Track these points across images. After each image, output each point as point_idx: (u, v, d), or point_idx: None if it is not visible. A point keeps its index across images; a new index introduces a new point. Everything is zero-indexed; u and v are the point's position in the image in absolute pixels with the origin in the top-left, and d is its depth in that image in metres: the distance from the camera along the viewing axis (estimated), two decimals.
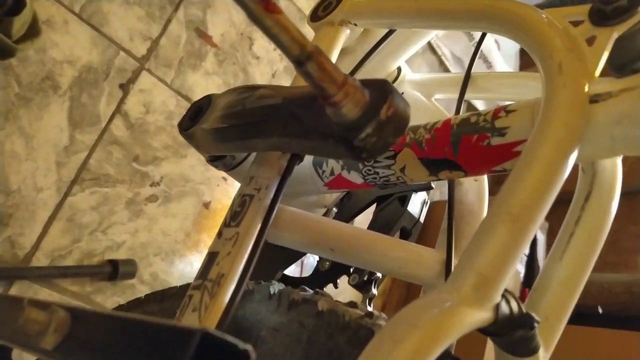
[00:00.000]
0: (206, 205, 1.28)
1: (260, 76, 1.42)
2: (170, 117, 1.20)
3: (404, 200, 0.58)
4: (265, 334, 0.38)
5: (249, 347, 0.19)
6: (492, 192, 0.45)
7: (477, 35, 0.60)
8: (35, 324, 0.24)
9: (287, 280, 0.60)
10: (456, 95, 0.53)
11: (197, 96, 1.26)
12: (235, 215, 0.40)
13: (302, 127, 0.32)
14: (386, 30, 0.51)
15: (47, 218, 1.01)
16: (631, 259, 1.88)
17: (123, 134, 1.12)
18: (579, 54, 0.31)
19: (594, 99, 0.30)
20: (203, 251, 1.27)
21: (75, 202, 1.04)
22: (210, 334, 0.17)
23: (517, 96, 0.54)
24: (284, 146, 0.35)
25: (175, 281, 1.21)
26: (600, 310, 1.60)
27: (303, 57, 0.25)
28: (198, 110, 0.44)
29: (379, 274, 0.56)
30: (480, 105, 2.01)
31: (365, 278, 0.55)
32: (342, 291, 0.58)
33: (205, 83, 1.28)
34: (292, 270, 0.62)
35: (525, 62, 2.38)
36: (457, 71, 2.09)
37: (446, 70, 2.09)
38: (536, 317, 0.28)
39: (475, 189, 0.47)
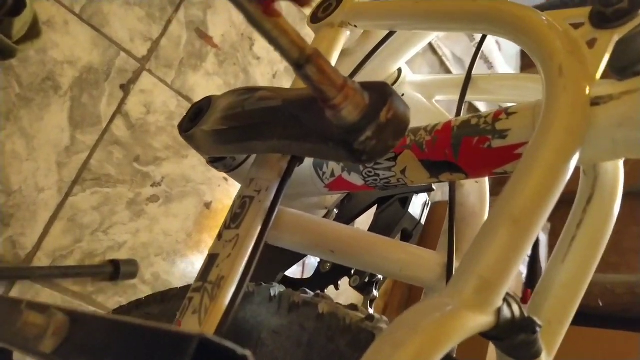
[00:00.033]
0: (207, 205, 1.28)
1: (261, 77, 1.41)
2: (171, 118, 1.20)
3: (405, 201, 0.58)
4: (265, 337, 0.38)
5: (247, 352, 0.18)
6: (494, 192, 0.45)
7: (478, 35, 0.60)
8: (33, 327, 0.24)
9: (287, 281, 0.60)
10: (457, 97, 0.53)
11: (197, 97, 1.26)
12: (236, 217, 0.40)
13: (302, 130, 0.31)
14: (386, 32, 0.51)
15: (49, 218, 1.01)
16: (633, 259, 1.88)
17: (124, 134, 1.12)
18: (580, 56, 0.31)
19: (595, 102, 0.30)
20: (204, 251, 1.27)
21: (77, 202, 1.04)
22: (208, 340, 0.17)
23: (518, 98, 0.53)
24: (284, 148, 0.35)
25: (177, 281, 1.21)
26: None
27: (302, 60, 0.25)
28: (198, 111, 0.44)
29: (380, 276, 0.56)
30: (482, 106, 2.00)
31: (367, 280, 0.55)
32: (344, 292, 0.58)
33: (206, 83, 1.28)
34: (293, 271, 0.62)
35: (527, 62, 2.38)
36: (458, 71, 2.09)
37: (447, 70, 2.09)
38: (538, 322, 0.28)
39: (477, 190, 0.47)
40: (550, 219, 0.29)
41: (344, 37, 0.50)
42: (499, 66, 2.08)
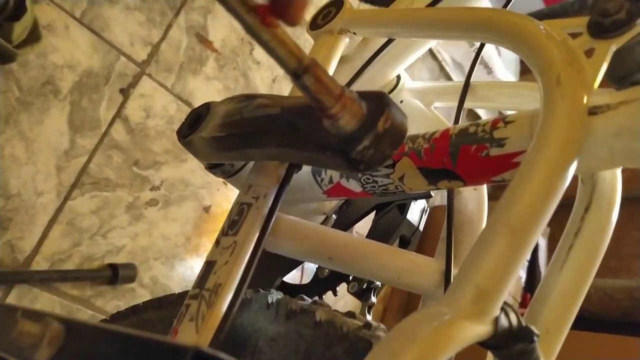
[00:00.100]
0: (206, 209, 1.28)
1: (260, 81, 1.42)
2: (171, 122, 1.21)
3: (403, 208, 0.58)
4: (262, 344, 0.38)
5: None
6: (494, 196, 0.45)
7: None
8: (28, 336, 0.24)
9: (285, 287, 0.60)
10: (455, 104, 0.53)
11: (197, 101, 1.26)
12: (233, 223, 0.40)
13: (300, 138, 0.31)
14: (385, 39, 0.51)
15: (47, 222, 1.01)
16: (633, 264, 1.88)
17: (123, 138, 1.12)
18: (578, 66, 0.31)
19: (593, 111, 0.30)
20: (203, 255, 1.26)
21: (75, 206, 1.04)
22: (202, 352, 0.17)
23: (516, 105, 0.53)
24: (282, 156, 0.35)
25: (176, 285, 1.21)
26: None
27: (300, 70, 0.25)
28: (197, 118, 0.44)
29: (378, 283, 0.56)
30: (482, 112, 2.01)
31: (365, 286, 0.55)
32: (342, 297, 0.58)
33: (206, 88, 1.29)
34: (292, 276, 0.62)
35: (526, 68, 2.38)
36: (457, 76, 2.10)
37: (446, 75, 2.09)
38: (535, 331, 0.28)
39: (475, 198, 0.47)
40: (549, 224, 0.29)
41: (343, 44, 0.50)
42: (499, 71, 2.08)
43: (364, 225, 0.63)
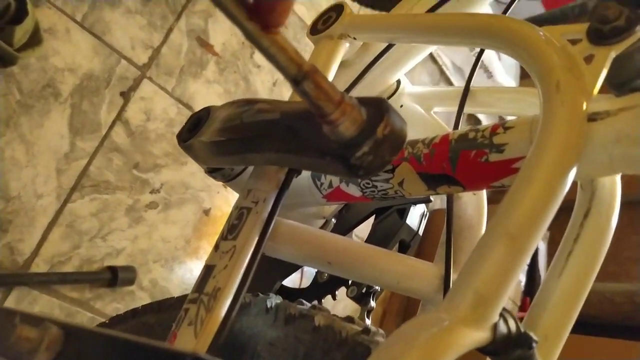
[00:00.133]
0: (206, 212, 1.28)
1: (261, 85, 1.42)
2: (171, 125, 1.21)
3: (403, 212, 0.58)
4: (261, 349, 0.38)
5: None
6: (494, 200, 0.45)
7: None
8: (26, 341, 0.24)
9: (285, 291, 0.60)
10: (455, 109, 0.53)
11: (198, 104, 1.26)
12: (233, 228, 0.40)
13: (300, 144, 0.32)
14: (385, 44, 0.51)
15: (47, 224, 1.01)
16: (633, 268, 1.88)
17: (123, 141, 1.12)
18: (577, 72, 0.31)
19: (592, 118, 0.30)
20: (203, 258, 1.26)
21: (75, 208, 1.04)
22: (200, 358, 0.17)
23: (516, 111, 0.54)
24: (282, 161, 0.35)
25: (175, 288, 1.21)
26: None
27: (300, 76, 0.25)
28: (197, 122, 0.44)
29: (377, 287, 0.56)
30: (483, 117, 2.01)
31: (364, 290, 0.55)
32: (341, 300, 0.58)
33: (206, 91, 1.29)
34: (292, 278, 0.62)
35: (526, 72, 2.38)
36: (457, 80, 2.10)
37: (447, 79, 2.10)
38: (534, 337, 0.28)
39: (474, 202, 0.47)
40: (549, 228, 0.29)
41: (343, 49, 0.51)
42: (499, 75, 2.09)
43: (364, 228, 0.63)
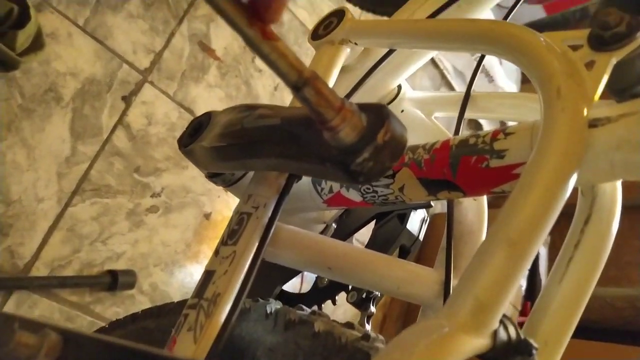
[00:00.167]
0: (207, 216, 1.28)
1: (262, 89, 1.42)
2: (172, 129, 1.21)
3: (403, 217, 0.57)
4: (260, 355, 0.38)
5: None
6: (495, 204, 0.45)
7: None
8: (25, 348, 0.24)
9: (285, 296, 0.60)
10: (456, 114, 0.53)
11: (199, 108, 1.26)
12: (233, 233, 0.40)
13: (300, 149, 0.32)
14: (387, 49, 0.51)
15: (48, 228, 1.01)
16: (633, 273, 1.87)
17: (125, 145, 1.12)
18: (578, 78, 0.31)
19: (593, 124, 0.30)
20: (203, 262, 1.26)
21: (76, 212, 1.04)
22: None
23: (517, 116, 0.54)
24: (282, 167, 0.35)
25: (175, 292, 1.21)
26: None
27: (300, 82, 0.25)
28: (198, 127, 0.44)
29: (377, 292, 0.56)
30: (485, 122, 2.01)
31: (364, 296, 0.54)
32: (341, 305, 0.58)
33: (208, 95, 1.29)
34: (292, 283, 0.61)
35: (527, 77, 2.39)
36: (458, 85, 2.10)
37: (448, 83, 2.10)
38: (534, 344, 0.28)
39: (475, 208, 0.47)
40: (550, 232, 0.29)
41: (345, 54, 0.51)
42: (500, 80, 2.09)
43: (365, 233, 0.63)
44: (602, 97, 0.32)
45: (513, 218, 0.28)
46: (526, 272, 1.84)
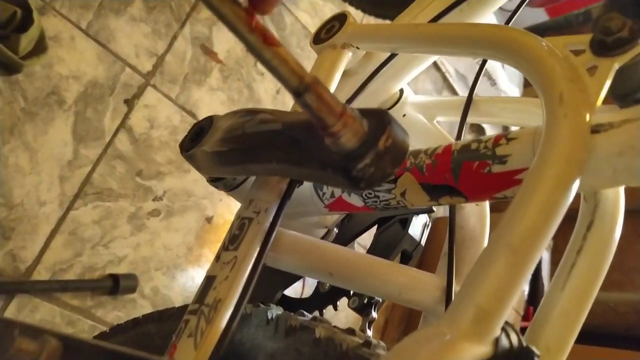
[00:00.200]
0: (209, 219, 1.28)
1: (264, 92, 1.42)
2: (175, 132, 1.21)
3: (405, 222, 0.57)
4: None
5: None
6: (498, 208, 0.45)
7: None
8: (25, 354, 0.24)
9: (286, 301, 0.60)
10: (458, 118, 0.53)
11: (201, 112, 1.26)
12: (234, 238, 0.40)
13: (301, 155, 0.31)
14: (388, 53, 0.51)
15: (49, 232, 1.01)
16: (637, 278, 1.86)
17: (127, 148, 1.13)
18: (580, 84, 0.31)
19: (596, 130, 0.30)
20: (205, 266, 1.26)
21: (78, 216, 1.05)
22: None
23: (519, 121, 0.53)
24: (283, 172, 0.35)
25: (177, 296, 1.21)
26: None
27: (302, 88, 0.25)
28: (199, 131, 0.44)
29: (379, 298, 0.55)
30: (487, 126, 2.01)
31: (365, 301, 0.54)
32: (343, 309, 0.58)
33: (210, 99, 1.29)
34: (294, 287, 0.61)
35: None
36: (460, 88, 2.10)
37: (450, 86, 2.10)
38: (536, 351, 0.28)
39: (477, 213, 0.47)
40: (552, 237, 0.28)
41: (346, 58, 0.51)
42: (502, 83, 2.09)
43: (367, 237, 0.63)
44: (604, 101, 0.32)
45: (515, 225, 0.27)
46: (529, 277, 1.83)
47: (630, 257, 1.83)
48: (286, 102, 1.46)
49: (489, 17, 0.55)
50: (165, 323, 0.47)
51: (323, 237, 0.57)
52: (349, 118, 0.27)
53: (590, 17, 2.35)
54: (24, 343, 0.24)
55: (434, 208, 0.58)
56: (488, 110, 0.54)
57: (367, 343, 0.34)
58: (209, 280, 0.38)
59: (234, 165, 0.39)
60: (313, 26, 1.53)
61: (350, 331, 0.37)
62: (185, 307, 0.39)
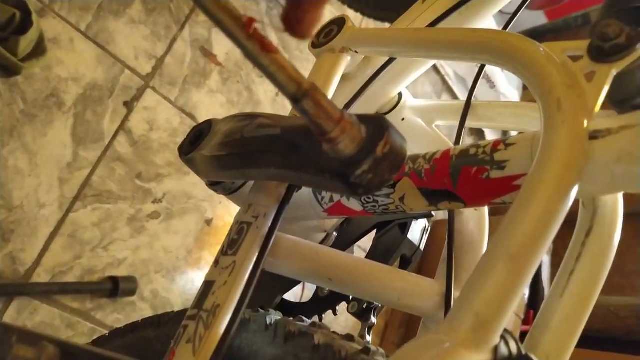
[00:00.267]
0: (208, 222, 1.28)
1: (263, 94, 1.42)
2: (174, 135, 1.21)
3: (404, 227, 0.57)
4: None
5: None
6: (498, 211, 0.45)
7: None
8: None
9: (285, 305, 0.60)
10: (457, 123, 0.53)
11: (200, 114, 1.26)
12: (233, 243, 0.40)
13: (300, 160, 0.31)
14: (387, 57, 0.51)
15: (49, 234, 1.01)
16: (637, 281, 1.86)
17: (126, 150, 1.13)
18: (578, 90, 0.31)
19: (594, 136, 0.30)
20: (204, 268, 1.26)
21: (77, 218, 1.04)
22: None
23: (518, 126, 0.53)
24: (282, 177, 0.35)
25: (176, 298, 1.20)
26: None
27: (299, 94, 0.25)
28: (198, 135, 0.44)
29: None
30: (488, 130, 2.01)
31: (365, 306, 0.54)
32: (343, 313, 0.58)
33: (209, 101, 1.29)
34: (294, 291, 0.61)
35: None
36: (460, 90, 2.10)
37: (449, 89, 2.10)
38: (535, 359, 0.28)
39: (476, 218, 0.47)
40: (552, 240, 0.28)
41: (345, 62, 0.51)
42: (502, 86, 2.09)
43: (367, 240, 0.63)
44: (602, 107, 0.32)
45: (513, 232, 0.27)
46: (528, 283, 1.83)
47: (630, 261, 1.83)
48: (286, 105, 1.47)
49: (488, 21, 0.55)
50: (164, 327, 0.47)
51: (322, 242, 0.57)
52: (346, 124, 0.27)
53: (589, 20, 2.36)
54: (21, 350, 0.24)
55: (433, 213, 0.58)
56: (486, 114, 0.54)
57: (366, 350, 0.34)
58: (208, 286, 0.38)
59: (232, 169, 0.39)
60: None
61: (349, 337, 0.36)
62: (184, 311, 0.39)
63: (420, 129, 0.58)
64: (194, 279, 1.24)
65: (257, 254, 0.38)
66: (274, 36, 1.46)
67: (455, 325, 0.26)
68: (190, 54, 1.25)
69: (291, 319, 0.41)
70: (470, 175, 0.36)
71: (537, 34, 2.40)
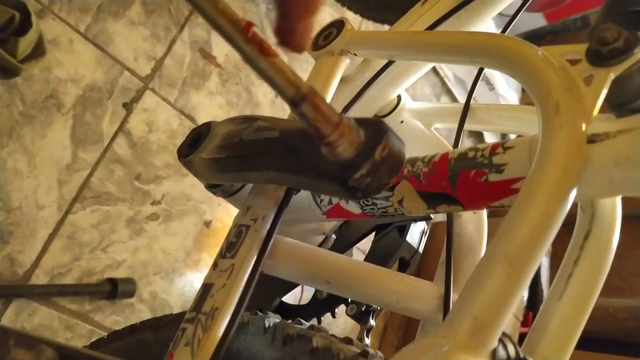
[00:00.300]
0: (207, 224, 1.28)
1: (263, 96, 1.42)
2: (173, 136, 1.21)
3: (403, 229, 0.57)
4: None
5: None
6: (496, 213, 0.45)
7: None
8: None
9: (284, 308, 0.60)
10: (455, 125, 0.53)
11: (200, 115, 1.26)
12: (231, 246, 0.40)
13: (298, 163, 0.31)
14: (386, 60, 0.51)
15: (48, 236, 1.01)
16: (636, 283, 1.86)
17: (125, 152, 1.13)
18: (577, 93, 0.31)
19: (592, 139, 0.30)
20: (203, 270, 1.26)
21: (76, 220, 1.04)
22: None
23: (517, 129, 0.53)
24: (280, 180, 0.35)
25: (175, 300, 1.20)
26: None
27: (298, 98, 0.25)
28: (197, 137, 0.44)
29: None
30: (487, 133, 2.01)
31: (363, 309, 0.54)
32: (341, 314, 0.58)
33: (209, 102, 1.29)
34: (292, 293, 0.61)
35: None
36: (459, 92, 2.10)
37: (448, 91, 2.10)
38: None
39: (474, 221, 0.47)
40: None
41: (344, 65, 0.51)
42: (501, 88, 2.09)
43: (366, 242, 0.63)
44: (600, 110, 0.32)
45: (511, 235, 0.27)
46: (527, 287, 1.83)
47: (629, 263, 1.83)
48: (285, 107, 1.47)
49: (487, 24, 0.55)
50: (163, 330, 0.47)
51: (321, 244, 0.57)
52: (345, 128, 0.27)
53: (587, 23, 2.36)
54: (19, 353, 0.24)
55: (432, 215, 0.58)
56: (485, 117, 0.54)
57: (365, 353, 0.34)
58: (206, 288, 0.38)
59: (231, 172, 0.39)
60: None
61: (347, 340, 0.36)
62: (182, 314, 0.39)
63: (419, 132, 0.58)
64: (193, 280, 1.24)
65: (255, 257, 0.38)
66: (273, 38, 1.46)
67: (454, 328, 0.26)
68: (189, 55, 1.25)
69: (290, 321, 0.41)
70: (469, 179, 0.36)
71: (536, 36, 2.40)
